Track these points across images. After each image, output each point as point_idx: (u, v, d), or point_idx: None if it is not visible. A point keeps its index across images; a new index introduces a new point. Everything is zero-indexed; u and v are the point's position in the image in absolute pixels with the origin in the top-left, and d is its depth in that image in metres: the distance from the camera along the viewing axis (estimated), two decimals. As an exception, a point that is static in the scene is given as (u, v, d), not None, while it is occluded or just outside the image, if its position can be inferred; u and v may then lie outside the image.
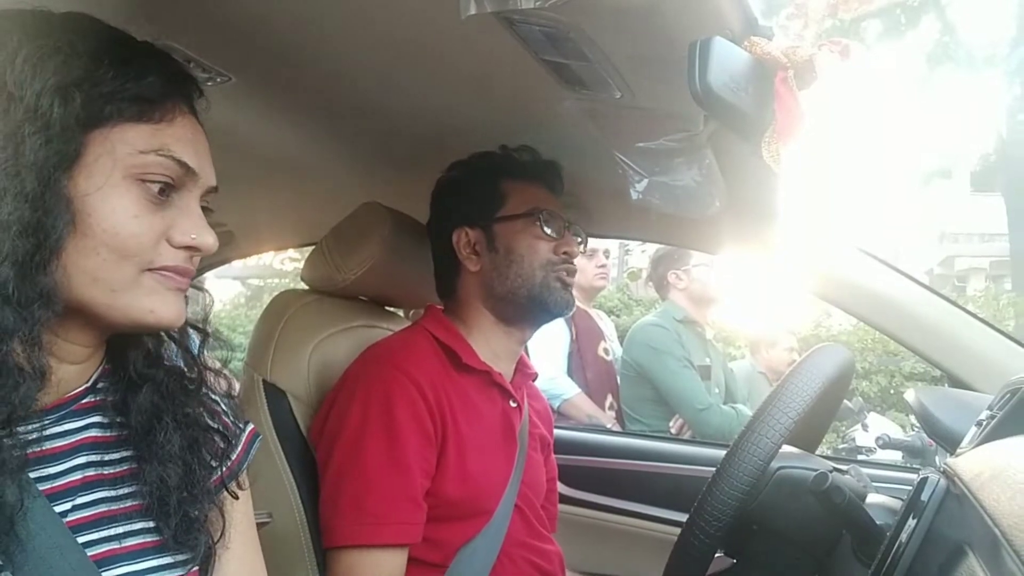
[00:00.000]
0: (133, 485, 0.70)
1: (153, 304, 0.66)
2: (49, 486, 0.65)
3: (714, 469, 0.97)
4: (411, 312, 1.63)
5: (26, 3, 0.65)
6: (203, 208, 0.71)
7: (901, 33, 9.40)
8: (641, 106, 1.03)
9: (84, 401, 0.70)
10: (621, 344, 3.01)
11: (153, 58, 0.68)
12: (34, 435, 0.63)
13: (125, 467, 0.70)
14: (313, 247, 1.38)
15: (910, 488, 0.85)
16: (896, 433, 2.54)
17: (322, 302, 1.34)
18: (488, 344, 1.26)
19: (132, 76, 0.65)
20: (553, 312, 1.25)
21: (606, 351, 2.89)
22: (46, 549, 0.62)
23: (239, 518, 0.79)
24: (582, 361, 2.80)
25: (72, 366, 0.68)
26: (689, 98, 0.77)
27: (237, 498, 0.79)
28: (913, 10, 9.25)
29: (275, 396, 1.22)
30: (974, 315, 1.47)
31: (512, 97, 1.13)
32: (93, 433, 0.70)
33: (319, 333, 1.28)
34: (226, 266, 2.23)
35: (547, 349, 2.69)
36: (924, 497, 0.79)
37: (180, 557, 0.71)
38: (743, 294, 3.17)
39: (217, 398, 0.79)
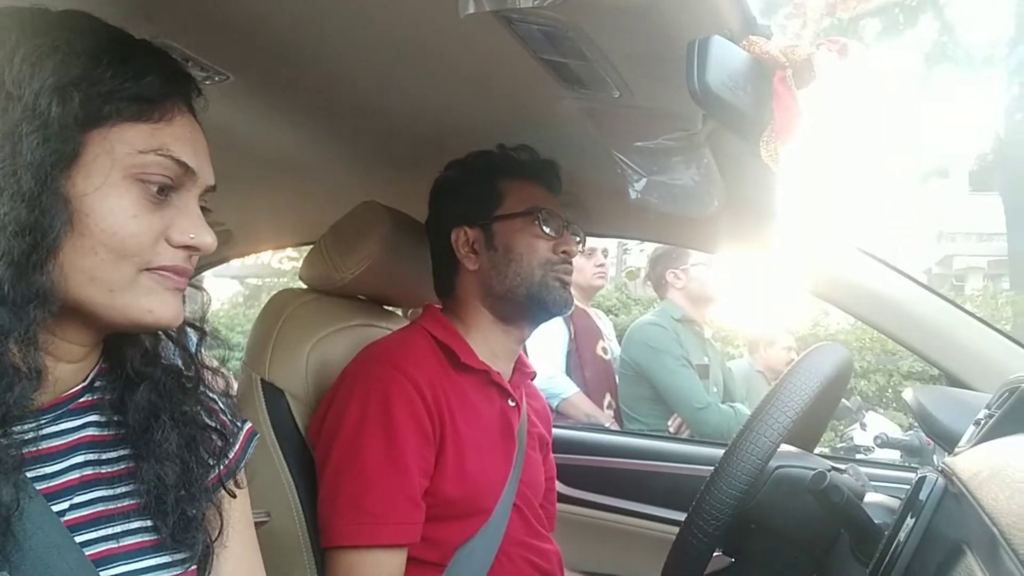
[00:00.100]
0: (131, 484, 0.70)
1: (151, 304, 0.66)
2: (46, 485, 0.65)
3: (712, 468, 0.97)
4: (409, 311, 1.63)
5: (24, 0, 0.65)
6: (201, 207, 0.71)
7: (899, 32, 9.41)
8: (640, 105, 1.03)
9: (81, 400, 0.70)
10: (619, 343, 3.01)
11: (152, 57, 0.68)
12: (31, 434, 0.63)
13: (123, 466, 0.70)
14: (311, 246, 1.38)
15: (908, 487, 0.85)
16: (894, 432, 2.54)
17: (320, 301, 1.33)
18: (486, 343, 1.26)
19: (131, 75, 0.64)
20: (551, 311, 1.25)
21: (604, 350, 2.89)
22: (43, 549, 0.62)
23: (237, 517, 0.79)
24: (580, 360, 2.81)
25: (69, 365, 0.68)
26: (687, 97, 0.77)
27: (235, 496, 0.79)
28: (911, 9, 9.26)
29: (273, 395, 1.21)
30: (972, 314, 1.47)
31: (511, 96, 1.13)
32: (90, 432, 0.70)
33: (317, 332, 1.28)
34: (224, 265, 2.23)
35: (545, 348, 2.69)
36: (922, 496, 0.79)
37: (178, 556, 0.71)
38: (741, 293, 3.17)
39: (215, 396, 0.79)
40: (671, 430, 2.66)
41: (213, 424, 0.77)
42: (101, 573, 0.65)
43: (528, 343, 1.55)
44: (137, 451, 0.70)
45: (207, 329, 0.77)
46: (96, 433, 0.70)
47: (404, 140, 1.33)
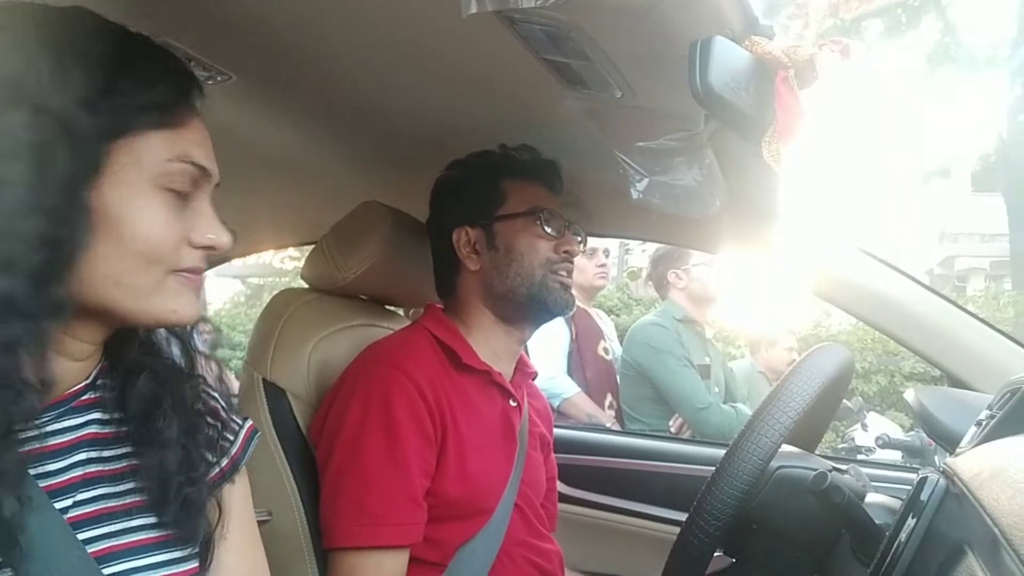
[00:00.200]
0: (133, 481, 0.70)
1: (176, 304, 0.68)
2: (49, 483, 0.65)
3: (714, 468, 0.97)
4: (411, 311, 1.63)
5: None
6: None
7: (902, 33, 9.40)
8: (642, 105, 1.03)
9: (84, 398, 0.70)
10: (621, 343, 3.01)
11: (165, 62, 0.69)
12: (34, 432, 0.63)
13: (125, 463, 0.70)
14: (313, 246, 1.38)
15: (909, 488, 0.85)
16: (896, 433, 2.53)
17: (322, 301, 1.33)
18: (488, 343, 1.26)
19: (150, 83, 0.65)
20: (553, 311, 1.25)
21: (606, 350, 2.89)
22: (47, 546, 0.62)
23: (239, 512, 0.80)
24: (582, 360, 2.80)
25: (75, 363, 0.69)
26: (690, 97, 0.77)
27: (234, 483, 0.80)
28: (914, 10, 9.25)
29: (275, 395, 1.21)
30: (974, 315, 1.47)
31: (512, 96, 1.13)
32: (92, 430, 0.70)
33: (319, 332, 1.28)
34: (226, 264, 2.23)
35: (547, 348, 2.69)
36: (923, 497, 0.79)
37: (180, 552, 0.71)
38: (743, 293, 3.17)
39: (210, 384, 0.80)
40: (672, 430, 2.66)
41: (210, 412, 0.78)
42: (103, 570, 0.65)
43: (529, 343, 1.55)
44: (139, 442, 0.71)
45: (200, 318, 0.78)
46: (98, 431, 0.70)
47: (405, 140, 1.33)
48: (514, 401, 1.27)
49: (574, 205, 1.41)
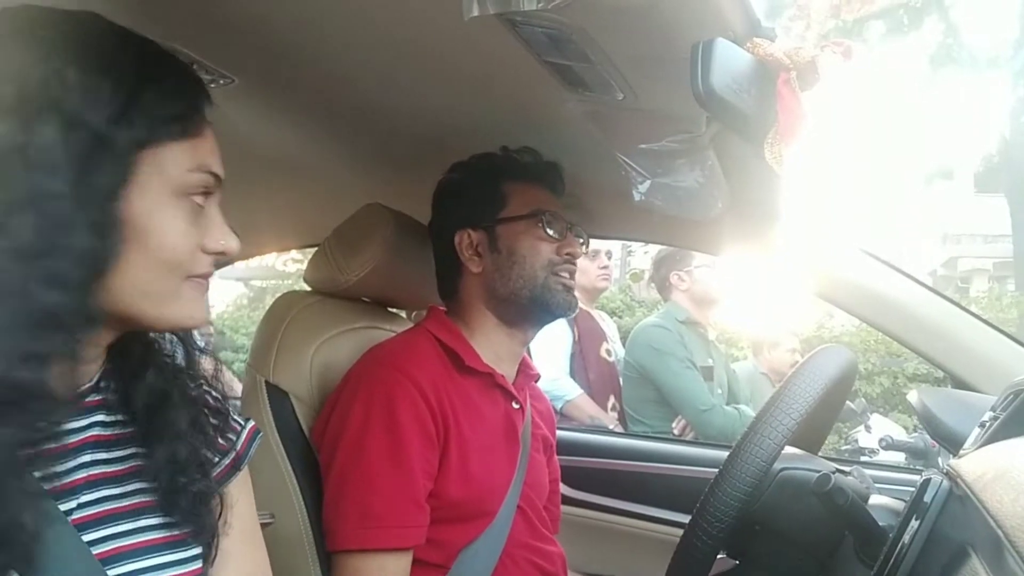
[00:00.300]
0: (139, 482, 0.70)
1: (192, 310, 0.70)
2: (53, 485, 0.65)
3: (717, 470, 0.97)
4: (413, 313, 1.63)
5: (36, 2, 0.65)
6: None
7: (904, 34, 9.40)
8: (643, 108, 1.03)
9: (88, 400, 0.70)
10: (623, 345, 3.01)
11: (181, 71, 0.70)
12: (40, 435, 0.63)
13: (129, 464, 0.71)
14: (316, 248, 1.39)
15: (913, 489, 0.85)
16: (899, 434, 2.53)
17: (324, 303, 1.34)
18: (490, 346, 1.26)
19: (171, 93, 0.66)
20: (555, 313, 1.25)
21: (608, 352, 2.89)
22: (54, 549, 0.62)
23: (242, 512, 0.80)
24: (584, 362, 2.80)
25: (83, 366, 0.69)
26: (692, 100, 0.77)
27: (237, 482, 0.80)
28: (916, 11, 9.25)
29: (278, 397, 1.22)
30: (977, 316, 1.47)
31: (514, 98, 1.13)
32: (96, 432, 0.70)
33: (322, 334, 1.28)
34: (229, 267, 2.23)
35: (549, 350, 2.69)
36: (927, 498, 0.79)
37: (185, 553, 0.71)
38: (745, 295, 3.17)
39: (211, 384, 0.80)
40: (675, 432, 2.66)
41: (213, 409, 0.79)
42: (109, 571, 0.66)
43: (532, 345, 1.55)
44: (146, 440, 0.71)
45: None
46: (102, 433, 0.70)
47: (407, 142, 1.33)
48: (517, 403, 1.27)
49: (576, 207, 1.41)
